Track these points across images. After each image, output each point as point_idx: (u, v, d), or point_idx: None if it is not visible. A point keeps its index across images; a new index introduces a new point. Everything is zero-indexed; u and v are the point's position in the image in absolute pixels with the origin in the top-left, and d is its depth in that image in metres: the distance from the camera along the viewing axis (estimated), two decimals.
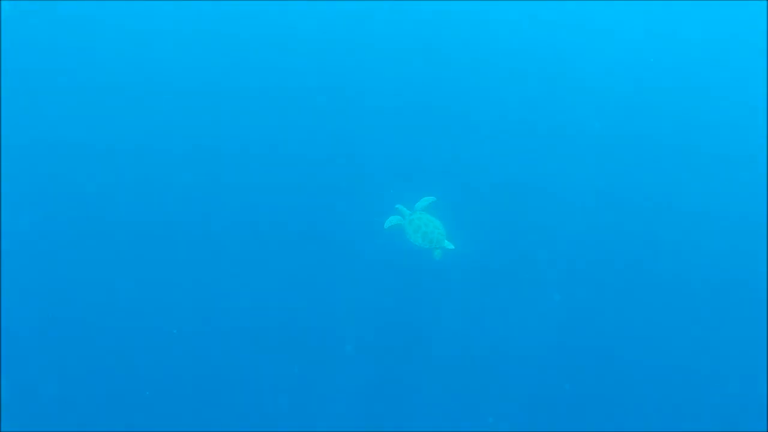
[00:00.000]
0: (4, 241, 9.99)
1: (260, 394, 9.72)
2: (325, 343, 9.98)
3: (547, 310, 10.39)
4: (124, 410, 9.38)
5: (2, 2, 12.01)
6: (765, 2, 13.81)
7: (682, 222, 11.46)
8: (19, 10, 12.15)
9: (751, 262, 11.03)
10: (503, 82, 12.88)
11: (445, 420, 9.78)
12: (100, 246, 10.25)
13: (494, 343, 10.16)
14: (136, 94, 11.70)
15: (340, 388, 9.74)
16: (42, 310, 9.76)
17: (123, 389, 9.45)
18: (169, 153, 11.20)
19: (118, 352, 9.62)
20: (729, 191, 11.89)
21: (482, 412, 9.81)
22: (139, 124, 11.41)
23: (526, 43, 13.54)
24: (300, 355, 9.89)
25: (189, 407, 9.50)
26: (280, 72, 12.41)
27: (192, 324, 9.92)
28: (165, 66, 12.16)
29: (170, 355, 9.72)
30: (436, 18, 13.44)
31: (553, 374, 10.08)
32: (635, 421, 9.85)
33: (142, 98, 11.67)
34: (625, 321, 10.49)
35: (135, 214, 10.57)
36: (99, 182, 10.80)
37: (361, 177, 11.26)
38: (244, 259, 10.43)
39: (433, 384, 9.92)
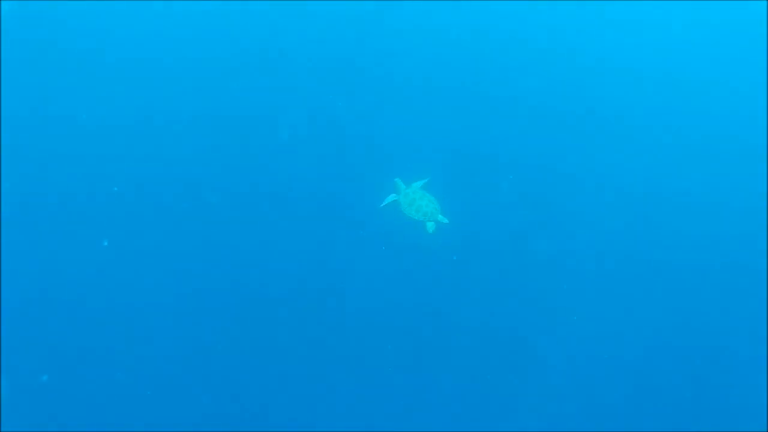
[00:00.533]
0: (4, 241, 9.99)
1: (264, 391, 9.72)
2: (321, 327, 10.02)
3: (541, 296, 10.46)
4: (125, 410, 9.38)
5: (2, 2, 12.02)
6: (765, 2, 13.84)
7: (680, 219, 11.48)
8: (19, 10, 12.17)
9: (751, 261, 11.04)
10: (500, 63, 13.24)
11: (441, 413, 9.77)
12: (102, 248, 10.25)
13: (488, 328, 10.20)
14: (137, 94, 11.72)
15: (336, 377, 9.76)
16: (42, 310, 9.76)
17: (124, 389, 9.44)
18: (169, 153, 11.23)
19: (119, 351, 9.61)
20: (729, 190, 11.90)
21: (486, 406, 9.80)
22: (139, 123, 11.43)
23: (521, 29, 13.90)
24: (296, 339, 9.91)
25: (190, 407, 9.49)
26: (278, 56, 12.67)
27: (193, 324, 9.93)
28: (166, 65, 12.19)
29: (172, 355, 9.71)
30: (429, 6, 13.79)
31: (550, 367, 10.07)
32: (635, 421, 9.84)
33: (143, 97, 11.70)
34: (623, 317, 10.49)
35: (136, 214, 10.57)
36: (99, 182, 10.81)
37: (358, 154, 11.52)
38: (245, 235, 10.55)
39: (432, 370, 9.95)
